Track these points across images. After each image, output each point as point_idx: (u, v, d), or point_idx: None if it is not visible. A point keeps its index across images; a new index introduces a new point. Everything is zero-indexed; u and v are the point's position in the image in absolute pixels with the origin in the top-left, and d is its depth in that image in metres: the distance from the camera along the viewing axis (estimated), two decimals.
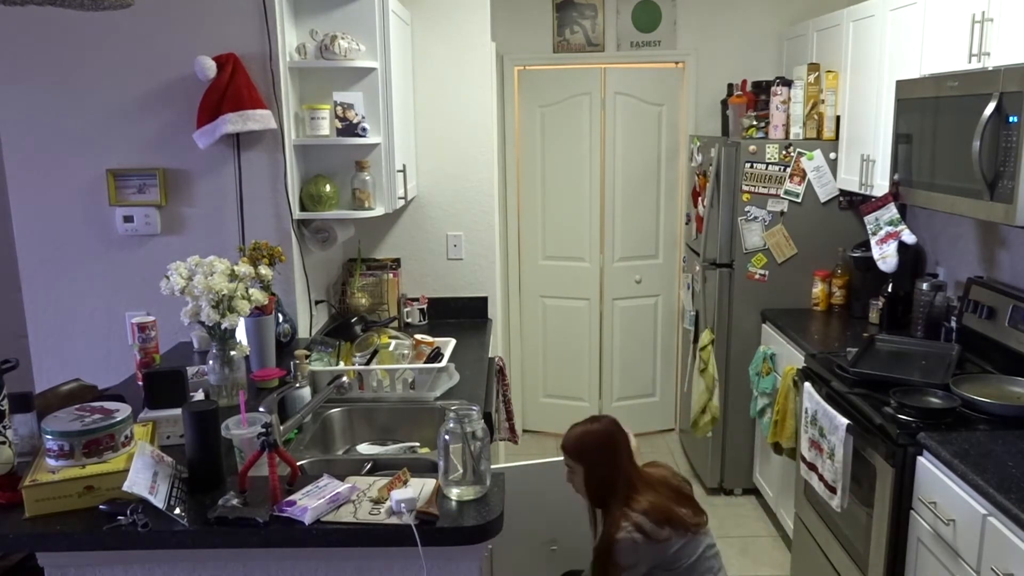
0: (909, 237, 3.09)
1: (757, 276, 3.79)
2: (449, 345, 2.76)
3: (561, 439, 2.22)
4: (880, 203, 3.13)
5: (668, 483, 2.20)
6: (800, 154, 3.68)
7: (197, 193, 2.97)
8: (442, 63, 3.54)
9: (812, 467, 2.83)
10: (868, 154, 3.29)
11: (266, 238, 2.90)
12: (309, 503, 1.67)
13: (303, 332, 3.10)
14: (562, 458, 2.21)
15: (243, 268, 2.35)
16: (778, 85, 3.76)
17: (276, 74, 2.87)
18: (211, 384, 2.36)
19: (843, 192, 3.69)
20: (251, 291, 2.34)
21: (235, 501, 1.70)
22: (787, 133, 3.76)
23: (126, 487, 1.65)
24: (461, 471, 1.72)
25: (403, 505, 1.66)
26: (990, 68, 2.40)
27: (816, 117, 3.72)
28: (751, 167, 3.70)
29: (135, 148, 2.94)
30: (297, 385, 2.34)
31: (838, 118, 3.64)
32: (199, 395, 2.35)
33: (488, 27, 3.53)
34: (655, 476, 2.21)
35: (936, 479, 2.19)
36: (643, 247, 4.76)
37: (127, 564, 1.70)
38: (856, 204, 3.66)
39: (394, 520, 1.65)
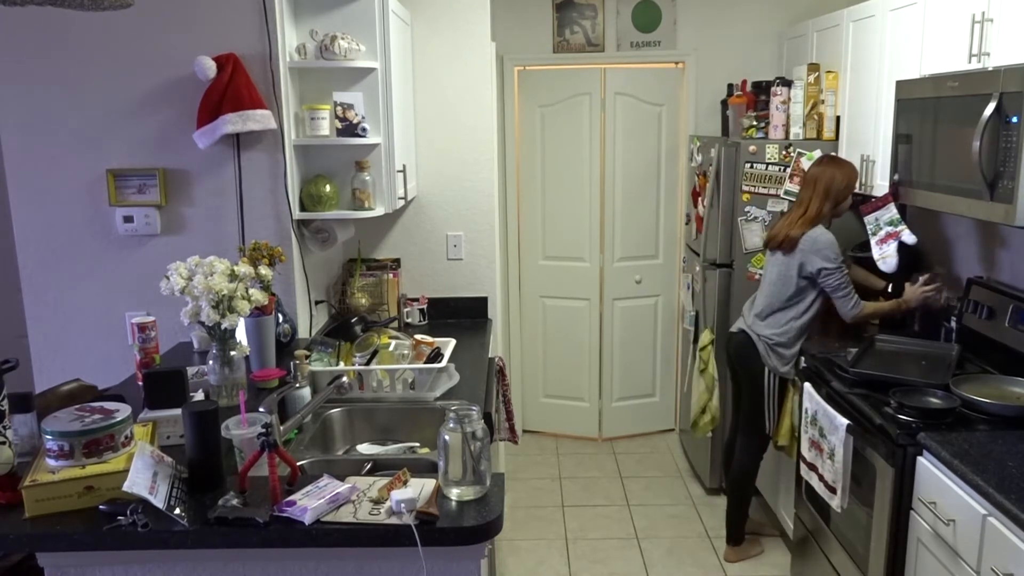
0: (909, 237, 3.08)
1: (757, 276, 3.79)
2: (449, 345, 2.76)
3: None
4: (880, 203, 3.13)
5: None
6: (800, 154, 3.67)
7: (197, 193, 2.97)
8: (442, 63, 3.53)
9: (812, 467, 2.83)
10: (868, 154, 3.29)
11: (266, 238, 2.90)
12: (309, 503, 1.67)
13: (303, 332, 3.10)
14: None
15: (243, 268, 2.35)
16: (778, 85, 3.76)
17: (276, 74, 2.87)
18: (211, 384, 2.36)
19: None
20: (251, 291, 2.34)
21: (235, 501, 1.70)
22: (787, 133, 3.76)
23: (126, 487, 1.65)
24: (461, 471, 1.72)
25: (403, 505, 1.66)
26: (990, 68, 2.40)
27: (816, 117, 3.72)
28: (751, 167, 3.70)
29: (135, 148, 2.94)
30: (297, 385, 2.34)
31: (838, 118, 3.63)
32: (199, 395, 2.35)
33: (488, 27, 3.53)
34: None
35: (936, 479, 2.19)
36: (643, 247, 4.75)
37: (127, 564, 1.70)
38: (856, 204, 3.66)
39: (394, 520, 1.65)
